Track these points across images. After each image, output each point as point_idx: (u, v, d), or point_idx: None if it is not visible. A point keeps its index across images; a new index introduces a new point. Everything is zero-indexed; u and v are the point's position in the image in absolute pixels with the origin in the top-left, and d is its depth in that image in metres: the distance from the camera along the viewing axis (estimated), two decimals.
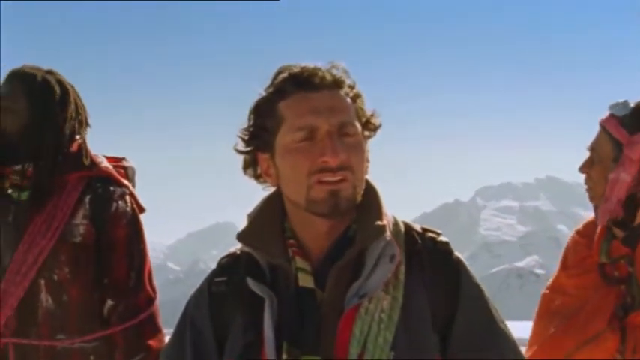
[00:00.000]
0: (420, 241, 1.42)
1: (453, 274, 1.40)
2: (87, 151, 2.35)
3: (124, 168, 2.45)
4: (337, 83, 1.38)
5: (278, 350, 1.29)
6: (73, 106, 2.32)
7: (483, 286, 1.43)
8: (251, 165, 1.44)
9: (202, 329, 1.42)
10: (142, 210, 2.42)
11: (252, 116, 1.41)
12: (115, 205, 2.30)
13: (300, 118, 1.33)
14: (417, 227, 1.46)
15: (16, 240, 2.20)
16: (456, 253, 1.44)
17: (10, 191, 2.24)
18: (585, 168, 2.06)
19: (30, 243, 2.18)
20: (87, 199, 2.27)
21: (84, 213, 2.25)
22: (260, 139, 1.39)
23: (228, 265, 1.46)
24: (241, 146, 1.43)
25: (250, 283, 1.34)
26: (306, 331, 1.30)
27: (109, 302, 2.27)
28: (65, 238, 2.21)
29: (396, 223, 1.43)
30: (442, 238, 1.44)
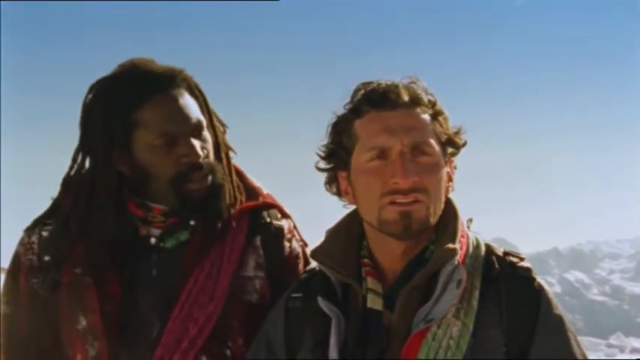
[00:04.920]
0: (498, 267, 1.35)
1: (531, 303, 1.32)
2: (242, 174, 1.77)
3: None
4: (414, 101, 1.35)
5: None
6: None
7: (566, 318, 1.34)
8: (332, 182, 1.44)
9: (275, 346, 1.43)
10: (305, 245, 1.79)
11: (330, 134, 1.41)
12: (288, 245, 1.72)
13: (373, 138, 1.32)
14: (499, 251, 1.39)
15: (165, 301, 1.57)
16: (539, 280, 1.35)
17: (152, 241, 1.61)
18: None
19: (190, 306, 1.55)
20: (257, 240, 1.68)
21: (257, 260, 1.66)
22: (338, 157, 1.40)
23: (305, 281, 1.47)
24: (322, 163, 1.43)
25: (320, 301, 1.35)
26: (370, 354, 1.29)
27: None
28: (237, 296, 1.60)
29: (477, 246, 1.38)
30: (524, 264, 1.36)
